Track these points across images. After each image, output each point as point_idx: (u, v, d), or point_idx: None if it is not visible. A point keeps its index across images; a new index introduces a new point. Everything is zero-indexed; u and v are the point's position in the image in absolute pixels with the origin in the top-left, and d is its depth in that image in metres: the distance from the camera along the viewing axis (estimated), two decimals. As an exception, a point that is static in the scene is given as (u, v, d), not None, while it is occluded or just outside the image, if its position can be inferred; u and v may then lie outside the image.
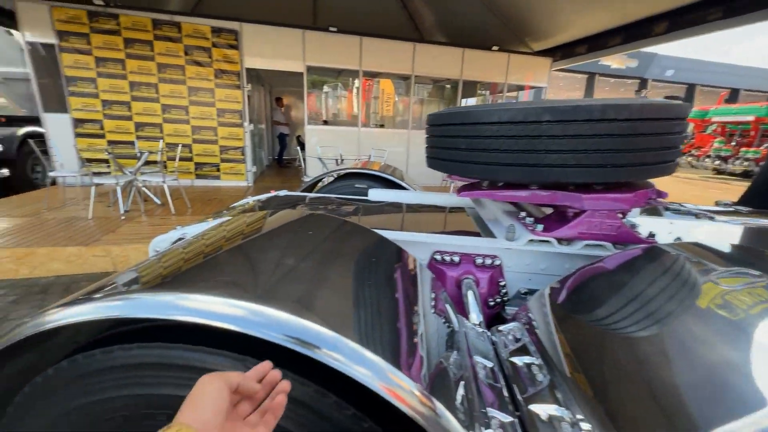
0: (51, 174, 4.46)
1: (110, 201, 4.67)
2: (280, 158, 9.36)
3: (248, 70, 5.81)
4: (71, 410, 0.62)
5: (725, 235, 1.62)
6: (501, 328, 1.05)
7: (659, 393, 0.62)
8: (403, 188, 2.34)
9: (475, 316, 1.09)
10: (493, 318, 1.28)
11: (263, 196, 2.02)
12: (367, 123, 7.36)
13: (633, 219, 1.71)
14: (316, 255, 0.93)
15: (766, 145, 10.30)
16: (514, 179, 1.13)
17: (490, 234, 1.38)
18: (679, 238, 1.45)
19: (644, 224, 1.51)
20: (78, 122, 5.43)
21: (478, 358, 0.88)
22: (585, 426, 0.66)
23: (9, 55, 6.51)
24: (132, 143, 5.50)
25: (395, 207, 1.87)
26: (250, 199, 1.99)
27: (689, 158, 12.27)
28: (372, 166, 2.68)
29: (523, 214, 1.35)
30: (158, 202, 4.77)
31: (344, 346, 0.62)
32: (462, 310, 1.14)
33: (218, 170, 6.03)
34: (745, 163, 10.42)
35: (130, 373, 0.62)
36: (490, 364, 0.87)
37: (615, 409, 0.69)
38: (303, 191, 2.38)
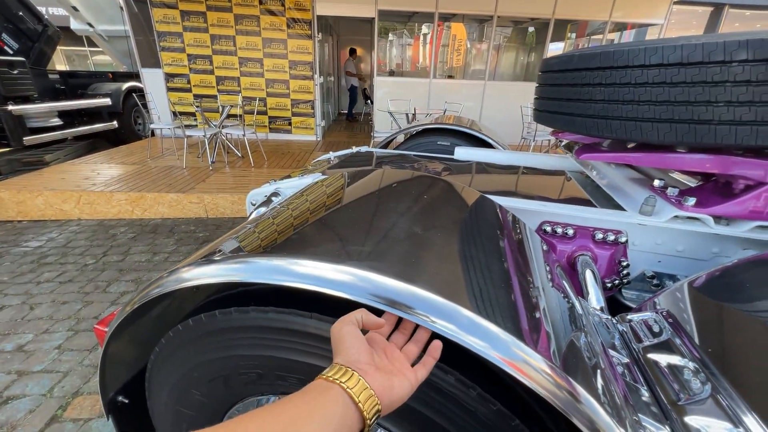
0: (151, 126, 4.96)
1: (199, 152, 5.10)
2: (350, 112, 9.25)
3: (319, 18, 5.63)
4: (205, 362, 0.66)
5: None
6: (630, 316, 0.91)
7: None
8: (491, 146, 2.12)
9: (596, 300, 0.95)
10: (608, 302, 1.12)
11: (344, 152, 1.98)
12: (440, 74, 6.84)
13: None
14: (422, 218, 0.85)
15: None
16: (671, 140, 0.90)
17: (608, 204, 1.17)
18: None
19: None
20: (169, 77, 5.86)
21: (612, 352, 0.76)
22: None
23: (111, 13, 7.11)
24: (215, 97, 5.83)
25: (486, 168, 1.70)
26: (332, 155, 1.96)
27: None
28: (448, 120, 2.47)
29: (658, 182, 1.11)
30: (239, 154, 5.10)
31: (459, 316, 0.55)
32: (578, 290, 1.00)
33: (290, 124, 6.19)
34: None
35: (256, 335, 0.62)
36: (625, 360, 0.75)
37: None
38: (381, 148, 2.29)
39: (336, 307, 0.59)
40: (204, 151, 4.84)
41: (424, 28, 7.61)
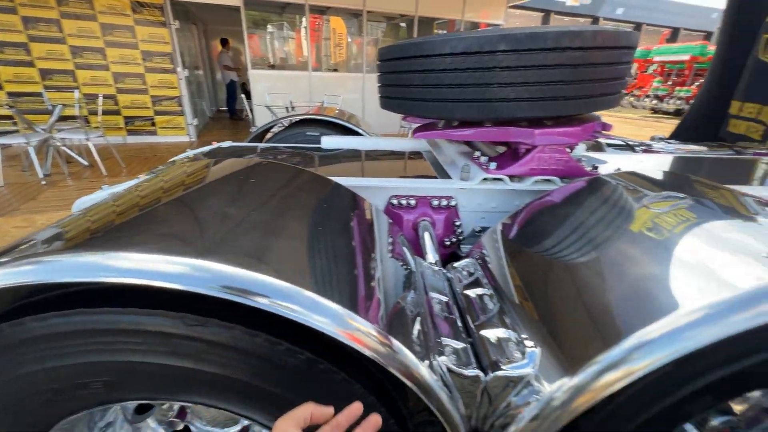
0: (-61, 135, 3.74)
1: (24, 164, 4.06)
2: (231, 109, 8.51)
3: (174, 3, 4.99)
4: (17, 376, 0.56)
5: (661, 164, 1.74)
6: (456, 264, 1.08)
7: (592, 308, 0.68)
8: (359, 134, 2.24)
9: (431, 255, 1.11)
10: (450, 257, 1.32)
11: (205, 149, 1.84)
12: (319, 67, 6.81)
13: (579, 153, 1.78)
14: (266, 205, 0.86)
15: (697, 83, 11.08)
16: (468, 116, 1.09)
17: (444, 176, 1.37)
18: (618, 169, 1.53)
19: (590, 157, 1.57)
20: (-39, 70, 4.49)
21: (433, 294, 0.90)
22: (529, 343, 0.72)
23: None
24: (39, 95, 4.69)
25: (351, 155, 1.79)
26: (191, 153, 1.80)
27: (631, 98, 12.97)
28: (326, 112, 2.52)
29: (477, 153, 1.34)
30: (85, 163, 4.24)
31: (299, 296, 0.59)
32: (420, 251, 1.15)
33: (153, 124, 5.39)
34: (678, 102, 11.21)
35: (50, 344, 0.55)
36: (445, 299, 0.90)
37: (555, 327, 0.74)
38: (250, 142, 2.19)
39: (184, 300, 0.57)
40: (31, 163, 3.89)
41: (305, 21, 7.45)
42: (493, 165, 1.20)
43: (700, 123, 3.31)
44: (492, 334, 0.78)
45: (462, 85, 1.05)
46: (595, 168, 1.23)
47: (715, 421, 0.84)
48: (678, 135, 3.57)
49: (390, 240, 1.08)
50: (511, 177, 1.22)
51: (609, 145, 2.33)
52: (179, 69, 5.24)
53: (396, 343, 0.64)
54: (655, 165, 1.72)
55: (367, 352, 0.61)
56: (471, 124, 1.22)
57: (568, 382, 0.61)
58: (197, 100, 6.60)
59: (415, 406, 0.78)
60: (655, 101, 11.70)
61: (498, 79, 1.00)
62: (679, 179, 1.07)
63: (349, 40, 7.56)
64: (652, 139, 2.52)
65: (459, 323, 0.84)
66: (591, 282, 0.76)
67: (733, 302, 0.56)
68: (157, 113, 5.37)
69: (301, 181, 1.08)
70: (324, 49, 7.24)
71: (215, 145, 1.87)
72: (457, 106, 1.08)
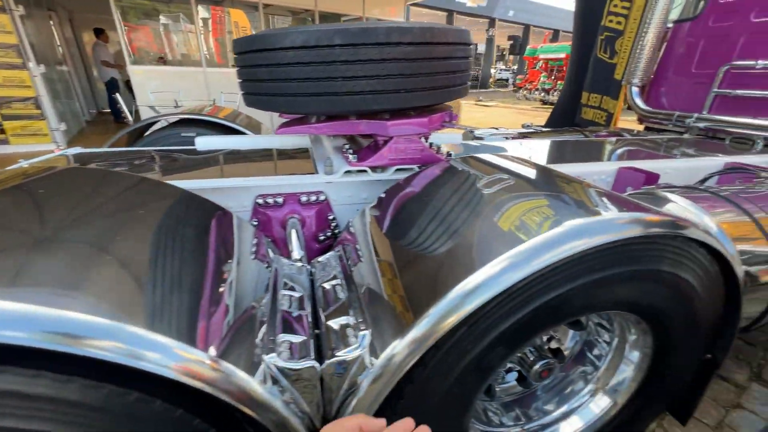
0: None
1: None
2: (116, 111, 7.35)
3: (17, -16, 4.13)
4: None
5: (523, 149, 1.97)
6: (320, 259, 1.09)
7: (422, 275, 0.75)
8: (243, 134, 2.12)
9: (297, 252, 1.09)
10: (327, 251, 1.33)
11: (43, 158, 1.56)
12: (225, 63, 6.31)
13: (459, 141, 1.93)
14: (92, 224, 0.74)
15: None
16: (316, 111, 1.09)
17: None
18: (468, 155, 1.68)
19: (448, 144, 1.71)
20: None
21: (286, 292, 0.89)
22: (362, 327, 0.75)
23: None
24: None
25: (229, 156, 1.69)
26: (24, 163, 1.51)
27: (524, 92, 14.62)
28: (219, 113, 2.32)
29: (346, 146, 1.36)
30: None
31: (121, 333, 0.52)
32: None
33: (2, 131, 4.44)
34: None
35: None
36: (298, 294, 0.90)
37: (384, 308, 0.79)
38: (111, 146, 1.92)
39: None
40: None
41: (203, 12, 6.79)
42: (354, 157, 1.23)
43: (565, 112, 3.86)
44: (336, 322, 0.80)
45: (307, 79, 1.04)
46: (449, 155, 1.34)
47: (537, 366, 0.98)
48: (550, 123, 4.12)
49: (254, 242, 1.04)
50: (374, 168, 1.26)
51: (483, 133, 2.58)
52: (32, 64, 4.37)
53: (226, 366, 0.60)
54: (517, 150, 1.95)
55: (198, 384, 0.56)
56: (335, 117, 1.22)
57: (398, 343, 0.66)
58: (65, 101, 5.60)
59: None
60: (543, 94, 13.37)
61: (339, 73, 1.02)
62: (510, 161, 1.21)
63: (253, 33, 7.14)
64: (524, 126, 2.86)
65: (309, 317, 0.85)
66: (424, 255, 0.83)
67: (512, 258, 0.66)
68: (7, 118, 4.43)
69: (140, 193, 0.97)
70: (229, 44, 6.74)
71: (57, 152, 1.60)
72: (305, 100, 1.08)
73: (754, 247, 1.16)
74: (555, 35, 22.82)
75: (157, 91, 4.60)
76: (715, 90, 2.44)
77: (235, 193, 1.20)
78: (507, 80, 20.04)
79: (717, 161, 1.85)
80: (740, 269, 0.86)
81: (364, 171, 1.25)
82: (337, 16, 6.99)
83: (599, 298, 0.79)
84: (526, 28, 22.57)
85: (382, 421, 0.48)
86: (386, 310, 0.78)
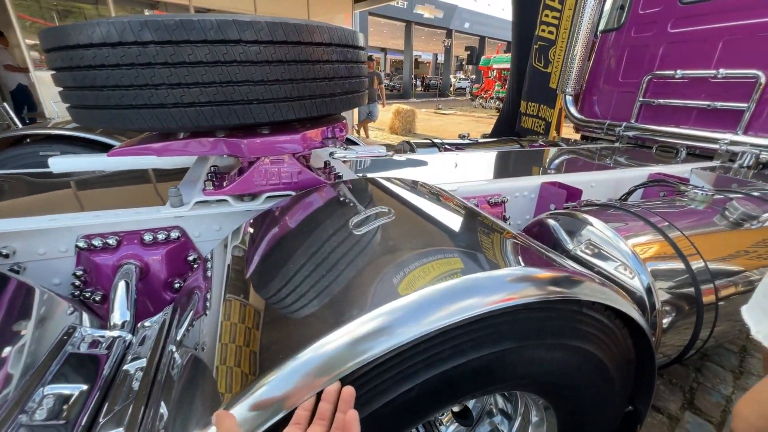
0: None
1: None
2: (25, 122, 6.51)
3: None
4: None
5: (450, 164, 1.80)
6: (147, 322, 0.83)
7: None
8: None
9: (117, 315, 0.83)
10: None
11: None
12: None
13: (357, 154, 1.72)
14: None
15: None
16: (140, 126, 0.84)
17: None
18: (363, 176, 1.49)
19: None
20: None
21: (51, 388, 0.63)
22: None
23: None
24: None
25: (86, 181, 1.38)
26: None
27: (480, 100, 14.99)
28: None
29: (211, 171, 1.11)
30: None
31: None
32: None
33: None
34: (514, 102, 13.36)
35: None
36: (71, 390, 0.63)
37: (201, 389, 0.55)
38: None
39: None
40: None
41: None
42: (209, 186, 0.98)
43: (508, 121, 3.83)
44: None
45: (118, 87, 0.79)
46: (339, 177, 1.13)
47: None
48: (494, 131, 4.08)
49: (70, 312, 0.76)
50: (241, 196, 1.02)
51: (418, 144, 2.42)
52: None
53: None
54: (444, 164, 1.78)
55: None
56: (199, 134, 0.97)
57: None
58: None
59: None
60: (497, 102, 13.75)
61: (160, 79, 0.78)
62: (405, 188, 1.02)
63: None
64: (461, 136, 2.74)
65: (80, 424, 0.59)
66: (272, 311, 0.61)
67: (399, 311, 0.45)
68: None
69: None
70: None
71: None
72: (122, 114, 0.82)
73: (671, 267, 1.05)
74: (508, 46, 23.80)
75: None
76: (641, 99, 2.44)
77: (47, 235, 0.91)
78: (465, 89, 20.56)
79: (641, 172, 1.79)
80: (646, 326, 0.70)
81: (225, 201, 1.00)
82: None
83: (486, 376, 0.60)
84: (482, 39, 23.40)
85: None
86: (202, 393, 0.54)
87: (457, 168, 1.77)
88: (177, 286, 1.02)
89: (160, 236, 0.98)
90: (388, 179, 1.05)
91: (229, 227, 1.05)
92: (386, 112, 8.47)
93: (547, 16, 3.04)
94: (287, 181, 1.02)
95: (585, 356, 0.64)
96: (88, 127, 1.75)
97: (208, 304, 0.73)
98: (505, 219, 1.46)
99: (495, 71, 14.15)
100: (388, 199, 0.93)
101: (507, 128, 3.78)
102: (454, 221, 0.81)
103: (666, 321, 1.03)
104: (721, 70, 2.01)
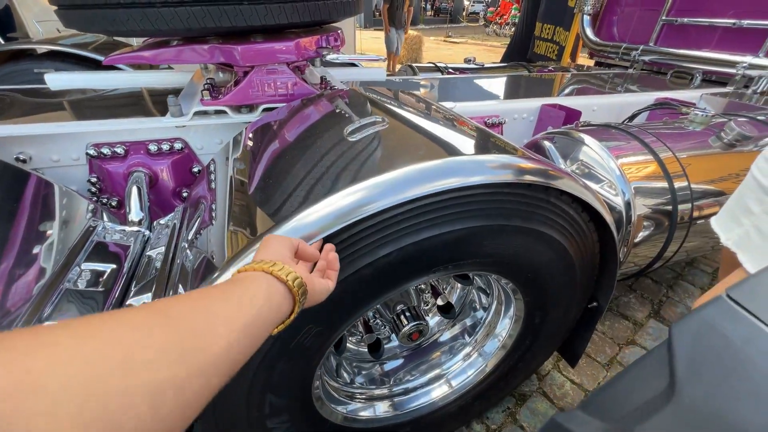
0: None
1: None
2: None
3: None
4: None
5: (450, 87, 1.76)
6: (162, 221, 0.92)
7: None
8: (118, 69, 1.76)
9: (135, 214, 0.91)
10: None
11: None
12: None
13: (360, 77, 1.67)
14: None
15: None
16: (131, 28, 0.83)
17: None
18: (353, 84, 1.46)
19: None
20: None
21: (87, 266, 0.73)
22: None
23: None
24: None
25: (84, 98, 1.38)
26: None
27: (494, 27, 13.72)
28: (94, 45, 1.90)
29: (207, 82, 1.11)
30: None
31: None
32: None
33: None
34: (531, 30, 12.20)
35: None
36: (105, 268, 0.74)
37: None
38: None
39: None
40: None
41: None
42: (206, 96, 1.00)
43: (519, 46, 3.58)
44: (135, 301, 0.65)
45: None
46: (331, 87, 1.13)
47: (406, 328, 0.89)
48: (504, 58, 3.84)
49: (89, 212, 0.84)
50: (238, 108, 1.04)
51: (420, 68, 2.33)
52: None
53: None
54: (443, 87, 1.74)
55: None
56: (194, 40, 0.95)
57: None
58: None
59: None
60: (513, 28, 12.60)
61: (146, -27, 0.76)
62: (393, 98, 1.02)
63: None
64: (466, 61, 2.60)
65: (115, 294, 0.70)
66: (276, 194, 0.68)
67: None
68: None
69: None
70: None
71: None
72: (113, 14, 0.81)
73: (654, 185, 1.09)
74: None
75: (44, 19, 3.79)
76: (663, 18, 2.25)
77: (58, 141, 0.96)
78: (479, 14, 18.69)
79: (648, 97, 1.74)
80: (611, 220, 0.76)
81: (223, 111, 1.03)
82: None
83: (457, 251, 0.68)
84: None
85: (315, 251, 0.47)
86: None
87: (458, 89, 1.73)
88: (185, 194, 1.09)
89: (165, 147, 1.03)
90: (383, 91, 1.05)
91: (230, 138, 1.09)
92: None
93: None
94: (283, 92, 1.03)
95: (549, 243, 0.72)
96: (82, 44, 1.70)
97: (213, 206, 0.80)
98: (501, 141, 1.47)
99: (513, -8, 12.72)
100: (384, 110, 0.95)
101: (518, 55, 3.55)
102: (446, 128, 0.83)
103: (640, 234, 1.10)
104: (756, -18, 1.83)
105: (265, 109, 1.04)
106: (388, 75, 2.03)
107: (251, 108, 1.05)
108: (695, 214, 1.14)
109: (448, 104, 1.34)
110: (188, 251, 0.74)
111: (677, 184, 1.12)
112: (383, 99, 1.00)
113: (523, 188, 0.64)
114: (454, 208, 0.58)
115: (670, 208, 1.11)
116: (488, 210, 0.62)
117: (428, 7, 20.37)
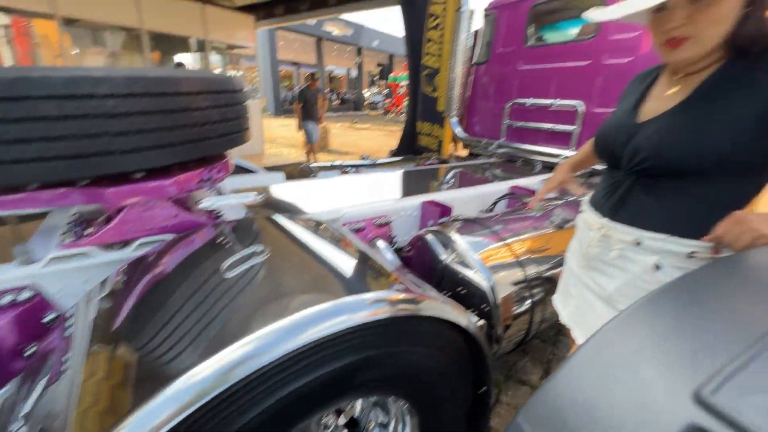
0: None
1: None
2: None
3: None
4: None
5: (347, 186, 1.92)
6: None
7: None
8: None
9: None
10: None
11: None
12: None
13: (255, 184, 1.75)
14: None
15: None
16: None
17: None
18: (249, 212, 1.52)
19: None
20: None
21: None
22: None
23: None
24: None
25: None
26: None
27: (391, 115, 15.89)
28: None
29: (71, 221, 1.04)
30: None
31: None
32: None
33: None
34: (423, 116, 14.47)
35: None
36: None
37: None
38: None
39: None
40: None
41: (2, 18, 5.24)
42: (69, 238, 0.94)
43: (409, 139, 4.17)
44: None
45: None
46: (218, 216, 1.16)
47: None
48: (398, 148, 4.40)
49: None
50: (108, 245, 0.99)
51: (320, 168, 2.52)
52: None
53: None
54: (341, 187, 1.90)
55: None
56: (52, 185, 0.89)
57: None
58: None
59: None
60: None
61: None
62: (287, 222, 1.10)
63: (77, 51, 5.88)
64: (362, 157, 2.93)
65: None
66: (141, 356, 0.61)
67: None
68: None
69: None
70: (40, 61, 5.38)
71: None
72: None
73: (509, 268, 1.31)
74: (415, 64, 25.56)
75: None
76: (505, 122, 2.93)
77: None
78: (377, 104, 21.49)
79: (504, 186, 2.16)
80: (475, 330, 0.88)
81: (88, 253, 0.96)
82: (177, 39, 6.24)
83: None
84: (390, 57, 24.80)
85: None
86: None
87: (351, 191, 1.92)
88: (29, 352, 0.93)
89: (5, 299, 0.89)
90: (270, 217, 1.11)
91: (98, 277, 1.00)
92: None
93: (429, 47, 3.44)
94: (163, 224, 1.02)
95: (429, 357, 0.80)
96: None
97: (65, 370, 0.71)
98: (391, 239, 1.63)
99: (403, 87, 15.13)
100: (269, 237, 1.01)
101: (408, 146, 4.11)
102: (325, 255, 0.91)
103: (509, 312, 1.29)
104: (555, 101, 2.54)
105: (142, 243, 1.01)
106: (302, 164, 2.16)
107: (125, 243, 1.01)
108: (546, 286, 1.38)
109: (338, 210, 1.46)
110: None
111: (527, 264, 1.36)
112: (270, 224, 1.06)
113: (393, 321, 0.73)
114: (327, 350, 0.63)
115: (525, 285, 1.33)
116: (359, 345, 0.68)
117: (334, 97, 22.76)
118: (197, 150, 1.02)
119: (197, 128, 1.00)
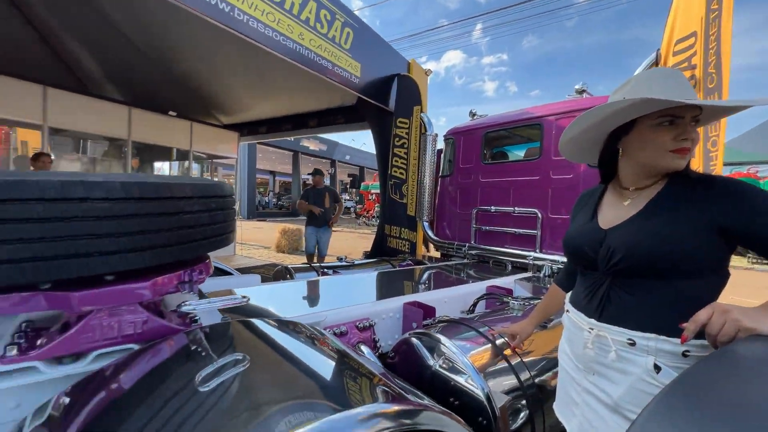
0: None
1: None
2: None
3: None
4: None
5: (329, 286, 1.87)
6: None
7: None
8: None
9: None
10: None
11: None
12: None
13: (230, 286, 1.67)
14: None
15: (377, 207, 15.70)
16: None
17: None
18: (226, 318, 1.44)
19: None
20: None
21: None
22: None
23: None
24: None
25: None
26: None
27: (363, 219, 16.68)
28: None
29: (21, 330, 0.92)
30: None
31: None
32: None
33: None
34: (392, 221, 15.34)
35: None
36: None
37: None
38: None
39: None
40: None
41: None
42: (13, 351, 0.81)
43: (381, 242, 4.31)
44: None
45: None
46: (194, 321, 1.07)
47: None
48: (372, 250, 4.49)
49: None
50: (61, 359, 0.86)
51: (296, 269, 2.48)
52: None
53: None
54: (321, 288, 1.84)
55: None
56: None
57: None
58: None
59: None
60: (378, 220, 15.51)
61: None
62: (267, 327, 1.03)
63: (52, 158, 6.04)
64: (339, 259, 2.94)
65: None
66: None
67: None
68: None
69: None
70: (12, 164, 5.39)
71: None
72: None
73: (502, 372, 1.25)
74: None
75: None
76: (473, 226, 3.16)
77: None
78: (350, 209, 22.66)
79: (481, 286, 2.20)
80: None
81: (33, 368, 0.82)
82: (161, 149, 6.62)
83: None
84: (361, 168, 27.34)
85: None
86: None
87: (331, 293, 1.87)
88: None
89: None
90: (250, 321, 1.04)
91: (35, 401, 0.83)
92: (273, 230, 8.50)
93: (396, 161, 3.87)
94: (129, 332, 0.92)
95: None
96: None
97: None
98: (375, 341, 1.54)
99: (374, 195, 16.32)
100: (249, 344, 0.92)
101: (381, 248, 4.23)
102: (310, 363, 0.84)
103: (509, 421, 1.17)
104: (516, 208, 2.84)
105: (100, 355, 0.88)
106: (278, 266, 2.08)
107: (78, 356, 0.88)
108: (543, 389, 1.30)
109: (320, 314, 1.40)
110: None
111: (520, 369, 1.31)
112: (249, 330, 0.98)
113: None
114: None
115: (521, 392, 1.25)
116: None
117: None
118: (182, 253, 1.00)
119: (186, 230, 1.00)
